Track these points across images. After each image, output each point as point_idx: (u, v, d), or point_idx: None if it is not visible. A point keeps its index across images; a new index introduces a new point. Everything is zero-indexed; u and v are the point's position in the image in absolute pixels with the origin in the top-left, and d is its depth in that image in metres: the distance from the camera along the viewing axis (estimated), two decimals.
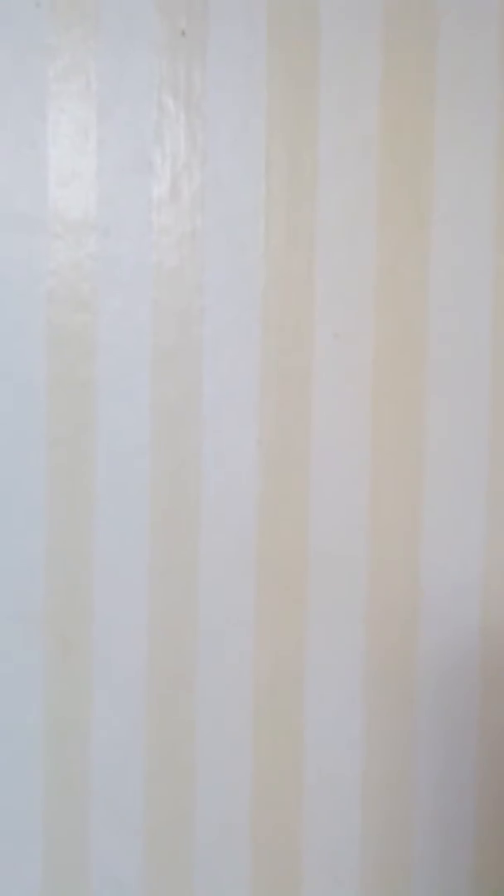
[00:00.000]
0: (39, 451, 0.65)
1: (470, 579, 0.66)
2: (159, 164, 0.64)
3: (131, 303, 0.64)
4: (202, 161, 0.64)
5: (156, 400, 0.64)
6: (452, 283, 0.64)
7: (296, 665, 0.66)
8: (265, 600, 0.66)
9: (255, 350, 0.64)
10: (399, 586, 0.66)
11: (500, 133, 0.63)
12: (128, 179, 0.64)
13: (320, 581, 0.66)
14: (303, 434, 0.65)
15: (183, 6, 0.63)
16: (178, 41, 0.63)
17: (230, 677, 0.66)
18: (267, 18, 0.63)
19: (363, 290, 0.64)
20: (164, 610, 0.66)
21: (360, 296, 0.64)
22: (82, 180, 0.64)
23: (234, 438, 0.65)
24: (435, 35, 0.63)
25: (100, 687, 0.66)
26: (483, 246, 0.64)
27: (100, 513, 0.65)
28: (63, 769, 0.66)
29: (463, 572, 0.66)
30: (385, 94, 0.63)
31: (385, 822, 0.67)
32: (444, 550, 0.66)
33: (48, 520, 0.65)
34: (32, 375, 0.64)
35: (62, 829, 0.66)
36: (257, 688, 0.66)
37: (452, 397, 0.65)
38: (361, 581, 0.66)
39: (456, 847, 0.67)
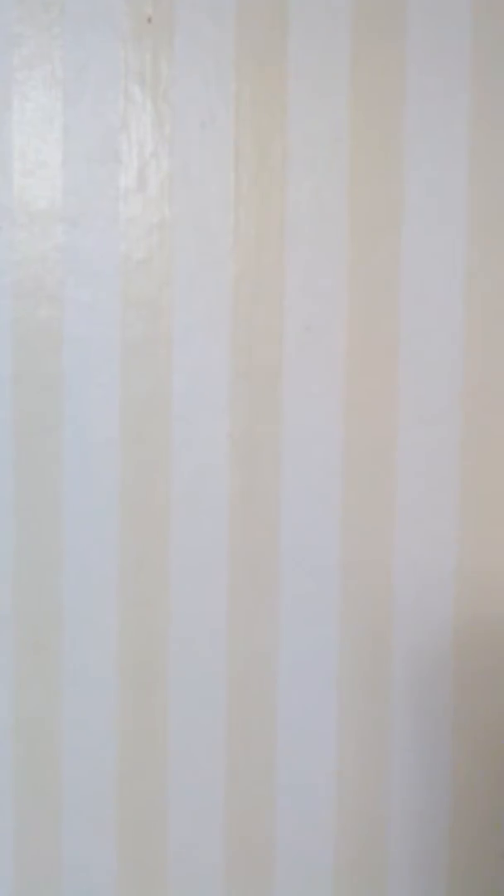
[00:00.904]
0: (6, 447, 0.64)
1: (443, 574, 0.65)
2: (126, 154, 0.63)
3: (99, 295, 0.63)
4: (170, 150, 0.63)
5: (125, 394, 0.64)
6: (425, 275, 0.64)
7: (269, 662, 0.66)
8: (237, 597, 0.65)
9: (225, 343, 0.64)
10: (372, 581, 0.65)
11: (471, 123, 0.62)
12: (94, 169, 0.63)
13: (293, 577, 0.65)
14: (274, 428, 0.64)
15: None
16: (145, 28, 0.62)
17: (203, 675, 0.65)
18: (235, 5, 0.62)
19: (335, 283, 0.63)
20: (135, 608, 0.65)
21: (332, 288, 0.63)
22: (48, 169, 0.63)
23: (205, 432, 0.64)
24: (405, 24, 0.62)
25: (71, 687, 0.65)
26: (455, 237, 0.63)
27: (69, 510, 0.64)
28: (34, 771, 0.66)
29: (436, 567, 0.65)
30: (354, 84, 0.62)
31: (359, 819, 0.67)
32: (417, 544, 0.65)
33: (16, 518, 0.64)
34: None
35: (33, 830, 0.66)
36: (230, 686, 0.65)
37: (425, 391, 0.64)
38: (334, 576, 0.65)
39: (431, 843, 0.67)
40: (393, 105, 0.62)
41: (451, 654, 0.66)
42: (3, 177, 0.63)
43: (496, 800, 0.66)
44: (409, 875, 0.67)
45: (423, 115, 0.62)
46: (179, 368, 0.64)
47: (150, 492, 0.64)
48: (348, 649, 0.65)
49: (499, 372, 0.64)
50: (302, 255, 0.63)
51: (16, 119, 0.63)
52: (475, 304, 0.64)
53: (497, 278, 0.63)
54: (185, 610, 0.65)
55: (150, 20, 0.62)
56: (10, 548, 0.64)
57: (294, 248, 0.63)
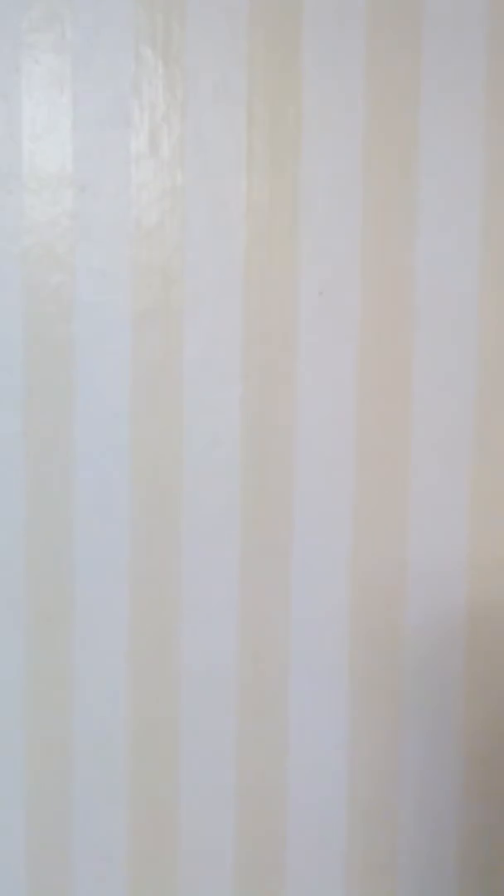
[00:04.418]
0: (16, 414, 0.63)
1: (456, 556, 0.65)
2: (137, 118, 0.62)
3: (110, 261, 0.63)
4: (181, 114, 0.62)
5: (136, 360, 0.63)
6: (439, 239, 0.63)
7: (280, 642, 0.65)
8: (249, 567, 0.65)
9: (237, 309, 0.63)
10: (385, 559, 0.65)
11: (487, 82, 0.62)
12: (105, 133, 0.62)
13: (306, 546, 0.65)
14: (287, 395, 0.64)
15: None
16: None
17: (214, 652, 0.65)
18: None
19: (349, 247, 0.63)
20: (147, 584, 0.64)
21: (346, 252, 0.63)
22: (58, 134, 0.62)
23: (217, 399, 0.64)
24: None
25: (82, 666, 0.64)
26: (470, 199, 0.63)
27: (79, 480, 0.64)
28: (45, 749, 0.65)
29: (449, 548, 0.65)
30: (370, 45, 0.62)
31: (370, 808, 0.66)
32: (430, 517, 0.65)
33: (26, 491, 0.63)
34: (8, 337, 0.63)
35: (44, 817, 0.65)
36: (241, 668, 0.65)
37: (439, 354, 0.64)
38: (347, 545, 0.65)
39: (441, 837, 0.67)
40: (410, 66, 0.62)
41: (463, 637, 0.65)
42: (12, 142, 0.62)
43: None
44: (420, 870, 0.67)
45: (439, 75, 0.62)
46: (191, 335, 0.63)
47: (161, 459, 0.64)
48: (360, 634, 0.65)
49: None
50: (315, 219, 0.63)
51: (25, 83, 0.62)
52: (490, 266, 0.63)
53: None
54: (197, 583, 0.64)
55: None
56: (20, 524, 0.63)
57: (307, 212, 0.63)
